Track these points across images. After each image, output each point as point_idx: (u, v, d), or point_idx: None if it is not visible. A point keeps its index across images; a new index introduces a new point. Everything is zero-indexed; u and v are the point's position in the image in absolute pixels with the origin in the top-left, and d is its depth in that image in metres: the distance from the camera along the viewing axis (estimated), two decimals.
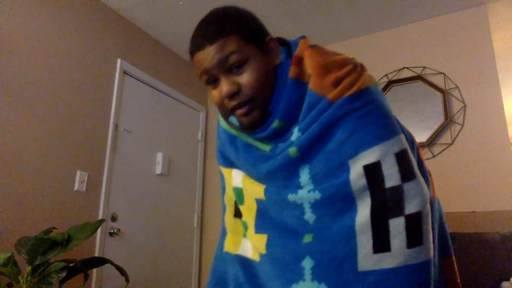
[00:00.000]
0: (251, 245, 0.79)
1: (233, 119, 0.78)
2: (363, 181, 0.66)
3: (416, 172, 0.67)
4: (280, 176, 0.74)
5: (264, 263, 0.75)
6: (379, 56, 3.00)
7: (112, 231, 2.46)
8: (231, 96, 0.72)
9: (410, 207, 0.64)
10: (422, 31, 2.88)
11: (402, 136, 0.70)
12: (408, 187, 0.65)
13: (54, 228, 1.87)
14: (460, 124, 2.59)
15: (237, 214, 0.85)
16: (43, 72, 2.22)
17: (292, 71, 0.74)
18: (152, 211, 2.82)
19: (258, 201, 0.78)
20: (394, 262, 0.62)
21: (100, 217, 2.39)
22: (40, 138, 2.15)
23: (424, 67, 2.77)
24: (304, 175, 0.72)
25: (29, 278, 1.52)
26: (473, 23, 2.71)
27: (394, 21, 2.92)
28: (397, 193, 0.65)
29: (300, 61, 0.75)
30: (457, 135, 2.58)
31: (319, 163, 0.70)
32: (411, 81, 2.79)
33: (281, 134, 0.75)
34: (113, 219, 2.51)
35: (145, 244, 2.71)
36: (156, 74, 3.07)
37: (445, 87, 2.66)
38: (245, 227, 0.82)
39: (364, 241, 0.64)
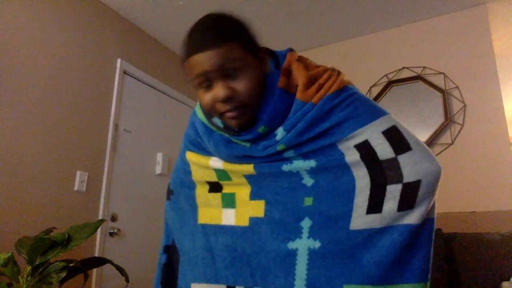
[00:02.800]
0: (234, 213, 0.85)
1: (217, 120, 0.82)
2: (356, 157, 0.72)
3: (412, 144, 0.71)
4: (265, 158, 0.80)
5: (259, 225, 0.80)
6: (379, 56, 3.00)
7: (112, 231, 2.46)
8: (226, 100, 0.74)
9: (409, 176, 0.69)
10: (422, 31, 2.88)
11: (389, 116, 0.75)
12: (404, 158, 0.70)
13: (54, 228, 1.87)
14: (460, 124, 2.59)
15: (213, 189, 0.90)
16: (43, 72, 2.22)
17: (281, 82, 0.78)
18: (152, 211, 2.82)
19: (247, 176, 0.83)
20: (382, 222, 0.68)
21: (100, 217, 2.39)
22: (40, 138, 2.15)
23: (424, 67, 2.77)
24: (290, 153, 0.78)
25: (29, 278, 1.52)
26: (473, 23, 2.71)
27: (394, 21, 2.92)
28: (393, 164, 0.70)
29: (288, 73, 0.79)
30: (457, 135, 2.58)
31: (305, 147, 0.76)
32: (411, 81, 2.79)
33: (263, 136, 0.80)
34: (113, 219, 2.51)
35: (145, 244, 2.71)
36: (156, 74, 3.07)
37: (445, 87, 2.66)
38: (230, 199, 0.87)
39: (361, 203, 0.70)
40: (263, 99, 0.78)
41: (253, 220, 0.81)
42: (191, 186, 0.94)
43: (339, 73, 0.82)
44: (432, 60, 2.78)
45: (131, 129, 2.77)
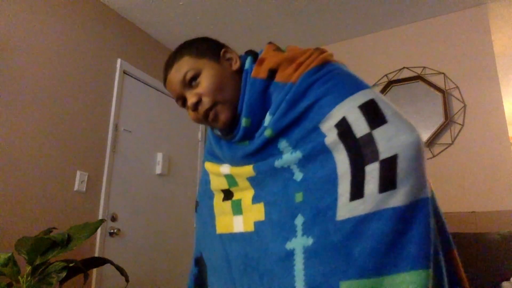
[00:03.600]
0: (242, 220, 0.84)
1: (215, 130, 0.89)
2: (334, 136, 0.68)
3: (388, 117, 0.66)
4: (262, 154, 0.80)
5: (262, 229, 0.78)
6: (379, 56, 3.00)
7: (112, 231, 2.46)
8: (195, 106, 0.79)
9: (385, 152, 0.63)
10: (422, 31, 2.88)
11: (369, 89, 0.72)
12: (379, 132, 0.65)
13: (54, 228, 1.87)
14: (460, 124, 2.59)
15: (226, 197, 0.90)
16: (43, 72, 2.22)
17: (254, 71, 0.80)
18: (152, 211, 2.82)
19: (250, 179, 0.82)
20: (365, 208, 0.61)
21: (100, 217, 2.39)
22: (40, 138, 2.15)
23: (424, 67, 2.78)
24: (283, 144, 0.76)
25: (29, 278, 1.52)
26: (473, 23, 2.71)
27: (394, 21, 2.92)
28: (368, 140, 0.65)
29: (262, 62, 0.80)
30: (457, 135, 2.58)
31: (294, 134, 0.75)
32: (411, 81, 2.79)
33: (253, 130, 0.80)
34: (113, 219, 2.51)
35: (145, 244, 2.71)
36: (156, 74, 3.07)
37: (445, 87, 2.66)
38: (238, 205, 0.86)
39: (343, 190, 0.65)
40: (241, 95, 0.80)
41: (257, 224, 0.80)
42: (211, 196, 0.95)
43: (322, 50, 0.81)
44: (432, 60, 2.78)
45: (131, 129, 2.77)
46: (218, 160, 0.93)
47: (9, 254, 1.53)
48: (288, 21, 2.92)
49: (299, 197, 0.72)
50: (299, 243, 0.69)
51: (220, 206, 0.91)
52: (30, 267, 1.53)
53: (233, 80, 0.82)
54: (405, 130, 0.64)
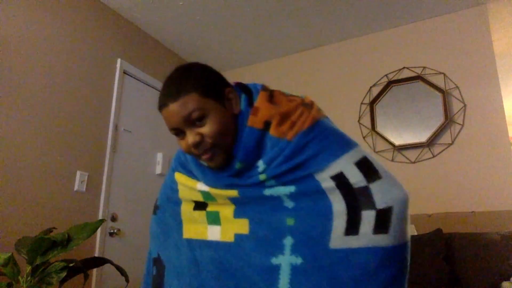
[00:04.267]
0: (219, 230, 0.91)
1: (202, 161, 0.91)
2: (331, 184, 0.79)
3: (381, 174, 0.79)
4: (242, 178, 0.87)
5: (244, 241, 0.86)
6: (379, 56, 3.00)
7: (112, 231, 2.46)
8: (196, 146, 0.83)
9: (381, 203, 0.76)
10: (422, 31, 2.88)
11: (360, 147, 0.84)
12: (375, 186, 0.77)
13: (54, 228, 1.87)
14: (460, 124, 2.59)
15: (198, 207, 0.96)
16: (43, 72, 2.22)
17: (250, 121, 0.85)
18: (152, 211, 2.82)
19: (231, 198, 0.89)
20: (359, 243, 0.75)
21: (100, 217, 2.39)
22: (40, 138, 2.15)
23: (424, 67, 2.78)
24: (274, 184, 0.84)
25: (29, 278, 1.52)
26: (473, 23, 2.71)
27: (394, 21, 2.92)
28: (366, 192, 0.77)
29: (257, 112, 0.86)
30: (457, 135, 2.58)
31: (286, 178, 0.83)
32: (411, 81, 2.79)
33: (244, 171, 0.86)
34: (113, 219, 2.51)
35: (145, 244, 2.71)
36: (156, 74, 3.07)
37: (445, 87, 2.67)
38: (215, 216, 0.93)
39: (339, 225, 0.77)
40: (237, 138, 0.86)
41: (238, 236, 0.87)
42: (177, 202, 1.00)
43: (312, 105, 0.89)
44: (432, 60, 2.78)
45: (131, 129, 2.77)
46: (192, 175, 0.97)
47: (9, 254, 1.53)
48: (288, 21, 2.92)
49: (290, 221, 0.82)
50: (286, 260, 0.79)
51: (189, 213, 0.97)
52: (30, 267, 1.53)
53: (233, 124, 0.86)
54: (397, 187, 0.79)
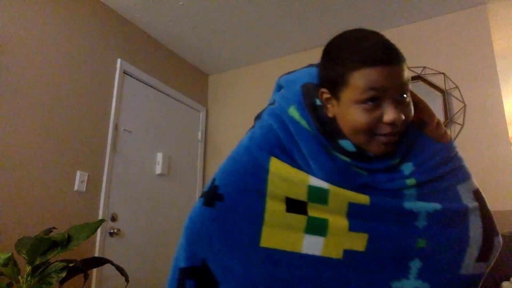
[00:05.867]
0: (322, 243, 0.74)
1: (346, 143, 0.76)
2: (475, 204, 0.77)
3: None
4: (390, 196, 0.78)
5: (357, 260, 0.73)
6: None
7: (112, 231, 2.46)
8: (393, 124, 0.70)
9: (497, 229, 0.80)
10: (422, 31, 2.88)
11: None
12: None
13: (54, 228, 1.88)
14: (460, 124, 2.59)
15: (296, 210, 0.76)
16: (43, 72, 2.22)
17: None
18: (152, 211, 2.82)
19: (354, 205, 0.75)
20: (487, 270, 0.76)
21: (100, 217, 2.39)
22: (40, 138, 2.15)
23: (424, 67, 2.77)
24: (414, 194, 0.77)
25: (29, 278, 1.52)
26: (473, 23, 2.71)
27: (394, 21, 2.92)
28: (492, 221, 0.79)
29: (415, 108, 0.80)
30: (457, 135, 2.58)
31: (427, 188, 0.77)
32: (411, 81, 2.79)
33: (389, 169, 0.78)
34: (113, 219, 2.51)
35: (145, 244, 2.71)
36: (156, 74, 3.07)
37: (445, 87, 2.66)
38: (321, 225, 0.75)
39: (473, 251, 0.74)
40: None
41: (349, 253, 0.73)
42: (261, 196, 0.77)
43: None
44: (432, 60, 2.78)
45: (131, 129, 2.77)
46: (294, 164, 0.78)
47: (9, 254, 1.53)
48: (288, 21, 2.92)
49: (421, 243, 0.74)
50: (411, 285, 0.72)
51: (279, 215, 0.76)
52: (30, 267, 1.53)
53: None
54: None
